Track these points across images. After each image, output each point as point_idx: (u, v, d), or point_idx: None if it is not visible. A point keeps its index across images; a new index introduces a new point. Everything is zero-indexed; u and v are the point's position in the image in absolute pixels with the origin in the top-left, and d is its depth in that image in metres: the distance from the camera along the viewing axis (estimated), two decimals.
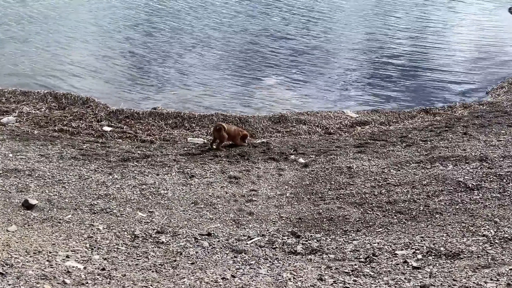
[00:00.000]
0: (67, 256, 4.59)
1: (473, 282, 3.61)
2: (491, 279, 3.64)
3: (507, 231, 4.90)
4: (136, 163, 8.62)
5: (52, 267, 4.16)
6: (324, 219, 6.46)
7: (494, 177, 7.01)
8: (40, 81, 12.63)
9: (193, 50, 16.37)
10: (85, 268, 4.32)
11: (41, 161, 8.14)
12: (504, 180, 6.84)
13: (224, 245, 5.39)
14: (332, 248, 5.23)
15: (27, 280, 3.77)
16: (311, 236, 5.77)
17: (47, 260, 4.33)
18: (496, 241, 4.70)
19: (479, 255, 4.37)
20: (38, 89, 11.83)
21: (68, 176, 7.64)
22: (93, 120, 10.66)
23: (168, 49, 16.21)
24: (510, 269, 3.82)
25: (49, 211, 6.16)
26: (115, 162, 8.60)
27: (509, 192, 6.42)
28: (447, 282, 3.70)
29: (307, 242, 5.46)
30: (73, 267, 4.28)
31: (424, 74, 15.79)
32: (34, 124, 10.20)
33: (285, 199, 7.46)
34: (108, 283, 3.86)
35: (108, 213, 6.38)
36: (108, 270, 4.25)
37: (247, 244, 5.45)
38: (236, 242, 5.50)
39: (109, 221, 5.99)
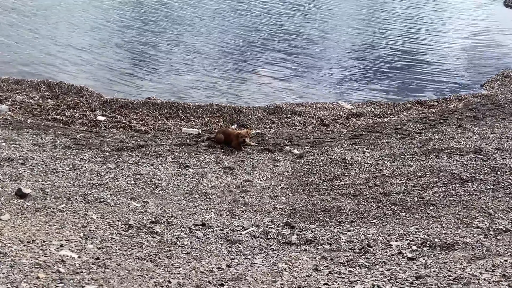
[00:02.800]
0: (61, 245, 4.57)
1: (468, 273, 3.62)
2: (486, 270, 3.65)
3: (501, 222, 4.91)
4: (130, 153, 8.58)
5: (46, 256, 4.13)
6: (319, 210, 6.46)
7: (488, 169, 7.03)
8: (34, 70, 12.53)
9: (188, 41, 16.30)
10: (79, 257, 4.30)
11: (34, 150, 8.08)
12: (498, 172, 6.86)
13: (219, 236, 5.38)
14: (326, 239, 5.22)
15: (21, 268, 3.75)
16: (305, 227, 5.76)
17: (41, 249, 4.30)
18: (491, 232, 4.72)
19: (474, 247, 4.38)
20: (31, 78, 11.73)
21: (61, 165, 7.59)
22: (87, 109, 10.59)
23: (162, 40, 16.13)
24: (505, 260, 3.82)
25: (43, 200, 6.12)
26: (109, 151, 8.55)
27: (503, 184, 6.44)
28: (442, 273, 3.70)
29: (301, 233, 5.45)
30: (67, 256, 4.25)
31: (419, 66, 15.81)
32: (27, 113, 10.12)
33: (279, 190, 7.45)
34: (103, 272, 3.84)
35: (102, 202, 6.34)
36: (103, 260, 4.23)
37: (241, 234, 5.44)
38: (230, 233, 5.49)
39: (103, 210, 5.96)
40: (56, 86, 11.32)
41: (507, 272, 3.54)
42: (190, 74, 13.56)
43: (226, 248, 4.98)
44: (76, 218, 5.55)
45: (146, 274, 3.77)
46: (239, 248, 4.92)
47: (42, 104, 10.54)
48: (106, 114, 10.54)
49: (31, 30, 15.27)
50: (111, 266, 4.03)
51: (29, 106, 10.40)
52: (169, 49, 15.36)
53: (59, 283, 3.50)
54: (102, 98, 11.12)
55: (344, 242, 5.04)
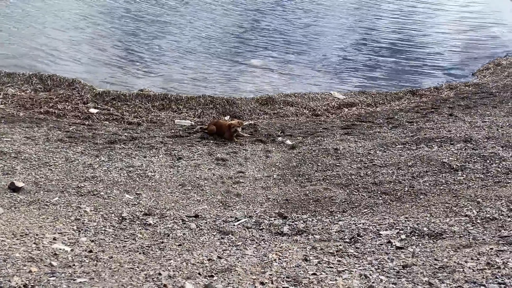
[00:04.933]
0: (54, 239, 4.60)
1: (454, 262, 3.68)
2: (472, 259, 3.71)
3: (489, 211, 4.98)
4: (123, 145, 8.61)
5: (39, 250, 4.17)
6: (311, 200, 6.52)
7: (478, 158, 7.10)
8: (25, 63, 12.48)
9: (180, 33, 16.24)
10: (72, 250, 4.34)
11: (27, 143, 8.09)
12: (488, 161, 6.93)
13: (211, 227, 5.42)
14: (318, 229, 5.27)
15: (14, 262, 3.78)
16: (297, 217, 5.81)
17: (34, 243, 4.33)
18: (478, 221, 4.78)
19: (461, 235, 4.44)
20: (23, 71, 11.68)
21: (54, 158, 7.61)
22: (79, 102, 10.59)
23: (154, 32, 16.07)
24: (491, 248, 3.89)
25: (36, 194, 6.14)
26: (102, 144, 8.58)
27: (492, 172, 6.51)
28: (429, 261, 3.76)
29: (293, 223, 5.50)
30: (60, 249, 4.29)
31: (411, 56, 15.84)
32: (19, 106, 10.10)
33: (272, 180, 7.50)
34: (95, 265, 3.88)
35: (95, 195, 6.37)
36: (95, 252, 4.27)
37: (234, 225, 5.48)
38: (223, 224, 5.53)
39: (96, 203, 5.99)
40: (48, 79, 11.29)
41: (491, 260, 3.61)
42: (183, 66, 13.54)
43: (218, 239, 5.02)
44: (69, 211, 5.58)
45: (137, 267, 3.82)
46: (231, 239, 4.96)
47: (34, 97, 10.53)
48: (99, 106, 10.55)
49: (22, 23, 15.17)
50: (103, 259, 4.07)
51: (21, 99, 10.38)
52: (161, 41, 15.31)
53: (51, 277, 3.54)
54: (94, 91, 11.11)
55: (335, 232, 5.09)
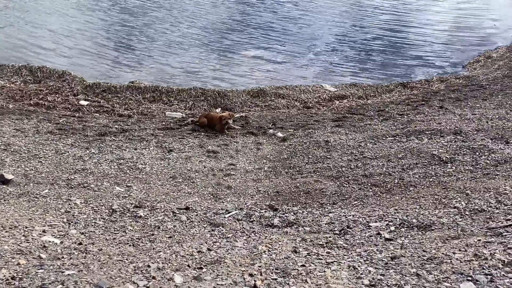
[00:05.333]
0: (44, 231, 4.57)
1: (442, 253, 3.71)
2: (459, 250, 3.74)
3: (477, 203, 5.02)
4: (113, 138, 8.58)
5: (28, 242, 4.15)
6: (301, 193, 6.53)
7: (468, 150, 7.14)
8: (15, 54, 12.38)
9: (171, 25, 16.18)
10: (61, 242, 4.32)
11: (16, 135, 8.04)
12: (477, 153, 6.97)
13: (202, 219, 5.41)
14: (308, 220, 5.29)
15: (2, 255, 3.76)
16: (288, 209, 5.82)
17: (23, 235, 4.31)
18: (467, 212, 4.81)
19: (450, 227, 4.47)
20: (12, 62, 11.60)
21: (44, 150, 7.58)
22: (69, 94, 10.54)
23: (145, 24, 15.99)
24: (478, 240, 3.92)
25: (26, 186, 6.12)
26: (92, 136, 8.54)
27: (481, 164, 6.55)
28: (417, 253, 3.79)
29: (284, 215, 5.51)
30: (50, 241, 4.27)
31: (403, 49, 15.87)
32: (9, 98, 10.04)
33: (263, 173, 7.51)
34: (84, 257, 3.87)
35: (86, 187, 6.35)
36: (85, 245, 4.25)
37: (224, 217, 5.48)
38: (214, 216, 5.53)
39: (87, 195, 5.97)
40: (37, 71, 11.22)
41: (479, 252, 3.64)
42: (174, 58, 13.49)
43: (209, 231, 5.02)
44: (59, 204, 5.56)
45: (127, 259, 3.81)
46: (221, 231, 4.96)
47: (24, 88, 10.46)
48: (89, 98, 10.50)
49: (11, 15, 15.03)
50: (93, 251, 4.06)
51: (10, 91, 10.31)
52: (152, 33, 15.25)
53: (39, 269, 3.53)
54: (84, 83, 11.06)
55: (325, 224, 5.11)
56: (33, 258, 3.79)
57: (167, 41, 14.67)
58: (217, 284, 3.24)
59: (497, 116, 8.89)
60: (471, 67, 14.33)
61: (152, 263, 3.68)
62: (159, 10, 17.51)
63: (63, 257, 3.86)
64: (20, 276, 3.38)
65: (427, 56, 15.28)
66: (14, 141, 7.75)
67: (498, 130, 7.90)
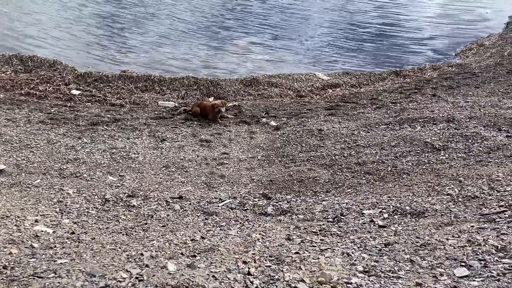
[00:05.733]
0: (36, 221, 4.55)
1: (435, 239, 3.72)
2: (453, 236, 3.75)
3: (470, 189, 5.03)
4: (106, 127, 8.53)
5: (20, 232, 4.13)
6: (295, 181, 6.53)
7: (460, 138, 7.16)
8: (5, 44, 12.25)
9: (163, 14, 16.06)
10: (54, 232, 4.30)
11: (7, 125, 7.98)
12: (470, 141, 6.99)
13: (196, 208, 5.40)
14: (301, 209, 5.28)
15: None
16: (281, 197, 5.82)
17: (15, 225, 4.29)
18: (460, 199, 4.83)
19: (443, 213, 4.48)
20: (2, 52, 11.47)
21: (36, 140, 7.53)
22: (60, 83, 10.45)
23: (137, 13, 15.86)
24: (471, 226, 3.93)
25: (17, 176, 6.08)
26: (84, 126, 8.49)
27: (474, 152, 6.57)
28: (411, 239, 3.80)
29: (277, 204, 5.51)
30: (42, 231, 4.25)
31: (396, 37, 15.86)
32: None
33: (256, 161, 7.50)
34: (77, 247, 3.85)
35: (78, 177, 6.32)
36: (78, 234, 4.24)
37: (218, 206, 5.48)
38: (207, 205, 5.52)
39: (79, 185, 5.94)
40: (28, 60, 11.11)
41: (472, 238, 3.65)
42: (166, 47, 13.41)
43: (202, 220, 5.01)
44: (51, 193, 5.53)
45: (120, 248, 3.80)
46: (215, 220, 4.96)
47: (15, 78, 10.36)
48: (81, 88, 10.42)
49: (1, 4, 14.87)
50: (86, 240, 4.04)
51: (1, 80, 10.21)
52: (144, 22, 15.14)
53: (31, 258, 3.51)
54: (76, 72, 10.97)
55: (318, 212, 5.11)
56: (25, 247, 3.77)
57: (159, 31, 14.57)
58: (211, 272, 3.23)
59: (489, 104, 8.91)
60: (463, 55, 14.34)
61: (145, 251, 3.67)
62: (148, 3, 17.37)
63: (55, 246, 3.85)
64: (12, 265, 3.36)
65: (419, 45, 15.27)
66: (5, 131, 7.68)
67: (491, 118, 7.92)
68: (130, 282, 3.11)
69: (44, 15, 14.64)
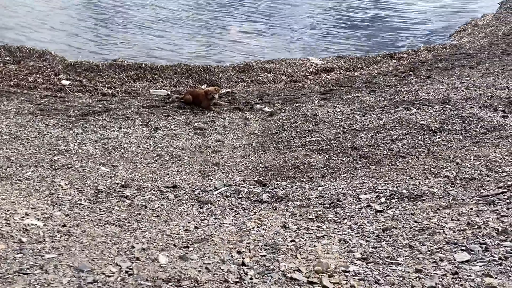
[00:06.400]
0: (26, 214, 4.46)
1: (434, 223, 3.64)
2: (452, 219, 3.67)
3: (467, 171, 4.95)
4: (97, 117, 8.41)
5: (10, 226, 4.03)
6: (290, 167, 6.44)
7: (456, 119, 7.08)
8: None
9: (154, 3, 15.87)
10: (45, 225, 4.21)
11: None
12: (466, 122, 6.91)
13: (190, 197, 5.33)
14: (297, 195, 5.21)
15: None
16: (277, 184, 5.75)
17: (5, 219, 4.19)
18: (457, 181, 4.75)
19: (441, 196, 4.41)
20: None
21: (26, 132, 7.41)
22: (50, 73, 10.29)
23: (127, 2, 15.65)
24: (470, 209, 3.86)
25: (8, 169, 5.97)
26: (75, 116, 8.36)
27: (470, 133, 6.50)
28: (409, 224, 3.72)
29: (273, 190, 5.44)
30: (32, 224, 4.16)
31: (389, 19, 15.74)
32: None
33: (251, 148, 7.41)
34: (66, 240, 3.76)
35: (70, 168, 6.21)
36: (68, 227, 4.14)
37: (213, 194, 5.40)
38: (202, 193, 5.44)
39: (71, 176, 5.84)
40: (17, 51, 10.94)
41: (471, 220, 3.57)
42: (157, 35, 13.24)
43: (197, 209, 4.94)
44: (43, 186, 5.44)
45: (110, 240, 3.70)
46: (210, 209, 4.88)
47: (3, 69, 10.19)
48: (71, 78, 10.27)
49: None
50: (76, 233, 3.95)
51: None
52: (134, 10, 14.94)
53: (18, 254, 3.41)
54: (65, 62, 10.81)
55: (314, 198, 5.04)
56: (14, 242, 3.68)
57: (150, 18, 14.38)
58: (204, 263, 3.14)
59: (485, 84, 8.83)
60: (458, 36, 14.24)
61: (136, 243, 3.57)
62: None
63: (44, 240, 3.75)
64: None
65: (413, 26, 15.15)
66: None
67: (487, 98, 7.84)
68: (120, 276, 3.02)
69: (31, 3, 14.41)
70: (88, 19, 13.91)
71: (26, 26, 12.88)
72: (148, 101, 9.52)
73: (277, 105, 9.38)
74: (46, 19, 13.50)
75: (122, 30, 13.38)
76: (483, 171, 4.89)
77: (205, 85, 10.47)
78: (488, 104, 7.54)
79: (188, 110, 9.12)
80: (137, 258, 3.25)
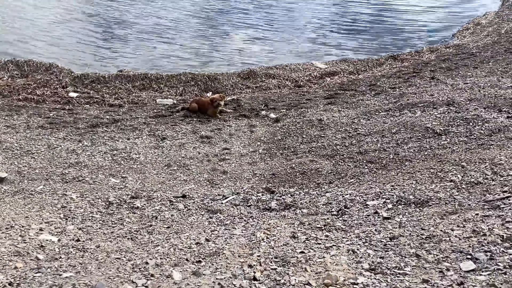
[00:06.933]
0: (41, 229, 4.55)
1: (440, 230, 3.70)
2: (458, 226, 3.73)
3: (473, 175, 5.00)
4: (105, 129, 8.51)
5: (25, 242, 4.12)
6: (297, 173, 6.50)
7: (461, 121, 7.12)
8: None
9: (157, 12, 15.98)
10: (59, 240, 4.30)
11: (7, 132, 7.96)
12: (471, 124, 6.95)
13: (199, 206, 5.40)
14: (305, 202, 5.27)
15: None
16: (285, 191, 5.81)
17: (20, 235, 4.29)
18: (463, 186, 4.80)
19: (447, 201, 4.46)
20: None
21: (36, 146, 7.52)
22: (58, 86, 10.41)
23: (130, 11, 15.77)
24: (476, 214, 3.91)
25: (20, 183, 6.08)
26: (84, 128, 8.47)
27: (475, 135, 6.53)
28: (416, 232, 3.78)
29: (281, 198, 5.50)
30: (47, 240, 4.25)
31: (391, 21, 15.78)
32: None
33: (258, 155, 7.48)
34: (82, 257, 3.85)
35: (81, 181, 6.31)
36: (82, 241, 4.23)
37: (222, 203, 5.47)
38: (211, 202, 5.52)
39: (82, 189, 5.94)
40: (24, 65, 11.08)
41: (477, 227, 3.63)
42: (161, 44, 13.36)
43: (207, 219, 5.01)
44: (55, 199, 5.53)
45: (124, 256, 3.78)
46: (219, 218, 4.96)
47: (12, 84, 10.33)
48: (78, 90, 10.38)
49: None
50: (90, 248, 4.04)
51: None
52: (138, 20, 15.07)
53: (36, 273, 3.50)
54: (72, 74, 10.93)
55: (322, 205, 5.09)
56: (31, 259, 3.76)
57: (153, 27, 14.50)
58: (216, 279, 3.22)
59: (488, 84, 8.86)
60: (460, 35, 14.26)
61: (150, 259, 3.66)
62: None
63: (60, 257, 3.84)
64: (18, 282, 3.35)
65: (415, 27, 15.18)
66: (5, 138, 7.66)
67: (491, 99, 7.88)
68: None
69: (36, 17, 14.55)
70: (91, 31, 14.03)
71: (30, 39, 13.02)
72: (155, 110, 9.62)
73: (282, 111, 9.45)
74: (49, 31, 13.63)
75: (126, 40, 13.49)
76: (488, 175, 4.94)
77: (210, 93, 10.56)
78: (493, 104, 7.58)
79: (195, 119, 9.21)
80: (152, 275, 3.33)
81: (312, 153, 7.25)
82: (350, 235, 3.91)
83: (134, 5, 16.48)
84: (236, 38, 14.01)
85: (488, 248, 3.29)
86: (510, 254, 3.18)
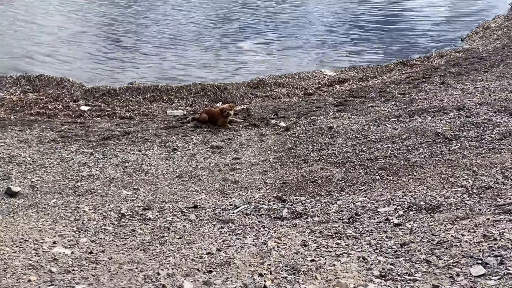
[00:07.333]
0: (54, 242, 4.61)
1: (451, 235, 3.68)
2: (469, 231, 3.71)
3: (484, 180, 4.98)
4: (117, 141, 8.59)
5: (39, 256, 4.17)
6: (308, 182, 6.51)
7: (472, 126, 7.09)
8: (11, 65, 12.39)
9: (165, 23, 16.12)
10: (72, 253, 4.34)
11: (20, 146, 8.07)
12: (481, 128, 6.92)
13: (211, 216, 5.43)
14: (316, 210, 5.28)
15: (13, 271, 3.79)
16: (296, 199, 5.82)
17: (34, 249, 4.34)
18: (474, 191, 4.78)
19: (458, 207, 4.44)
20: (10, 73, 11.60)
21: (49, 159, 7.60)
22: (69, 100, 10.53)
23: (139, 24, 15.94)
24: (487, 219, 3.89)
25: (33, 197, 6.15)
26: (95, 141, 8.55)
27: (486, 139, 6.51)
28: (427, 237, 3.76)
29: (292, 206, 5.51)
30: (60, 253, 4.29)
31: (400, 27, 15.79)
32: (9, 109, 10.05)
33: (268, 164, 7.50)
34: (94, 269, 3.88)
35: (93, 194, 6.38)
36: (95, 253, 4.27)
37: (233, 213, 5.49)
38: (222, 212, 5.54)
39: (95, 201, 6.00)
40: (36, 79, 11.24)
41: (487, 232, 3.61)
42: (170, 55, 13.46)
43: (218, 229, 5.03)
44: (68, 212, 5.59)
45: (136, 268, 3.81)
46: (231, 228, 4.98)
47: (24, 98, 10.47)
48: (89, 103, 10.49)
49: (3, 24, 15.01)
50: (103, 260, 4.07)
51: (10, 102, 10.33)
52: (147, 32, 15.21)
53: (50, 285, 3.54)
54: (83, 88, 11.06)
55: (333, 213, 5.10)
56: (44, 273, 3.81)
57: (162, 39, 14.63)
58: None
59: (499, 88, 8.82)
60: (470, 39, 14.21)
61: (161, 270, 3.68)
62: (153, 9, 17.42)
63: (73, 270, 3.88)
64: None
65: (424, 32, 15.17)
66: (19, 152, 7.76)
67: (501, 103, 7.84)
68: None
69: (47, 31, 14.74)
70: (103, 44, 14.19)
71: (43, 54, 13.20)
72: (166, 122, 9.69)
73: (292, 119, 9.47)
74: (62, 46, 13.81)
75: (134, 52, 13.62)
76: (499, 179, 4.91)
77: (220, 103, 10.61)
78: (503, 108, 7.54)
79: (205, 129, 9.26)
80: (163, 286, 3.35)
81: (323, 161, 7.25)
82: (361, 242, 3.90)
83: (144, 17, 16.64)
84: (244, 47, 14.08)
85: (499, 252, 3.28)
86: None
